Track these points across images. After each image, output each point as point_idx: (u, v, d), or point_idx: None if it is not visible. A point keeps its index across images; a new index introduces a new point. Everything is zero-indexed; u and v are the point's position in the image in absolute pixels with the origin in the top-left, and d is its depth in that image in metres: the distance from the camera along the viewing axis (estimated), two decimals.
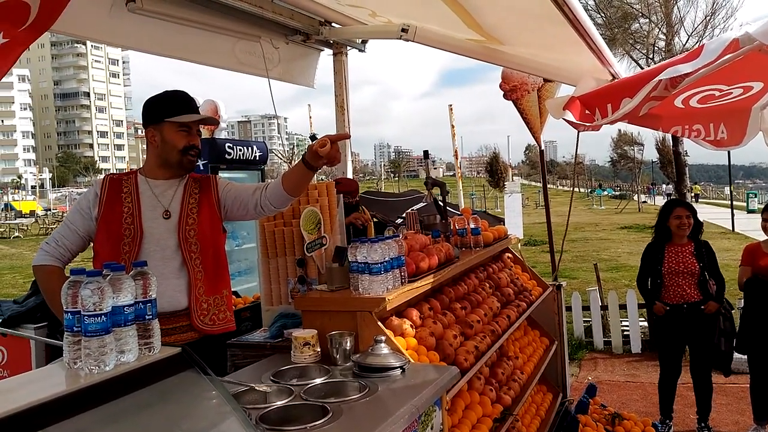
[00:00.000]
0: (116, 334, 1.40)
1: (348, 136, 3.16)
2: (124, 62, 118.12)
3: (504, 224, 10.36)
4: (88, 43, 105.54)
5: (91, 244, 2.59)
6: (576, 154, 4.62)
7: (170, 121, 2.52)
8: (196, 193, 2.63)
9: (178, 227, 2.55)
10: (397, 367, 2.30)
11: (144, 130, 2.61)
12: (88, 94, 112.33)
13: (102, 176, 2.65)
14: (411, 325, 2.75)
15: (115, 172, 2.66)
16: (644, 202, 37.00)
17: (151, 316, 1.50)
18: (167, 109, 2.53)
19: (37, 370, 1.52)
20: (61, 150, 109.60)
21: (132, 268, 2.33)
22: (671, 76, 2.56)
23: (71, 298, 1.38)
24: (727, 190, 33.40)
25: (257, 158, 5.61)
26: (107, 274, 1.42)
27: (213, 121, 2.72)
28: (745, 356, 4.76)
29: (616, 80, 3.69)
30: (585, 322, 7.34)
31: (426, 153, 3.88)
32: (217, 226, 2.67)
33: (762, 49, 3.30)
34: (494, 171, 42.99)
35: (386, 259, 2.61)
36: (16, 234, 29.25)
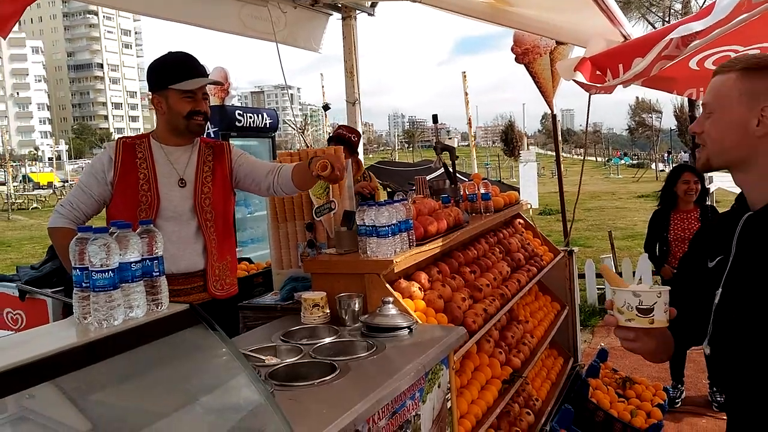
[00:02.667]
0: (124, 290, 1.42)
1: (343, 169, 2.54)
2: (136, 33, 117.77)
3: (519, 194, 10.32)
4: (101, 14, 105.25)
5: (105, 208, 2.60)
6: (588, 118, 4.54)
7: (174, 89, 2.49)
8: (210, 161, 2.64)
9: (194, 195, 2.57)
10: (404, 327, 2.33)
11: (150, 96, 2.58)
12: (101, 66, 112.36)
13: (114, 140, 2.61)
14: (419, 288, 2.77)
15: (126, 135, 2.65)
16: (662, 170, 36.52)
17: (158, 273, 1.52)
18: (170, 76, 2.49)
19: (48, 325, 1.56)
20: (76, 122, 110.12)
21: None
22: (682, 35, 2.51)
23: (79, 255, 1.40)
24: None
25: (267, 126, 5.61)
26: (114, 231, 1.44)
27: (218, 83, 2.70)
28: None
29: (627, 41, 3.63)
30: (599, 289, 7.33)
31: (435, 117, 3.85)
32: (229, 194, 2.71)
33: None
34: (509, 140, 42.60)
35: (394, 222, 2.62)
36: (35, 205, 29.64)
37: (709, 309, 1.47)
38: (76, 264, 1.41)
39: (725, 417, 4.36)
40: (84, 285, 1.42)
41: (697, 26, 2.53)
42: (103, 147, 2.61)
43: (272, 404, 1.53)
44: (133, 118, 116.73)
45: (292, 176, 2.61)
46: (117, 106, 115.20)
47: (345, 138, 4.27)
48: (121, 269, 1.42)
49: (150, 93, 2.59)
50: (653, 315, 1.36)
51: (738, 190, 1.60)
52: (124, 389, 1.45)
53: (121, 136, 2.76)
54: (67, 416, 1.39)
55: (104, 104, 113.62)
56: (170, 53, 2.58)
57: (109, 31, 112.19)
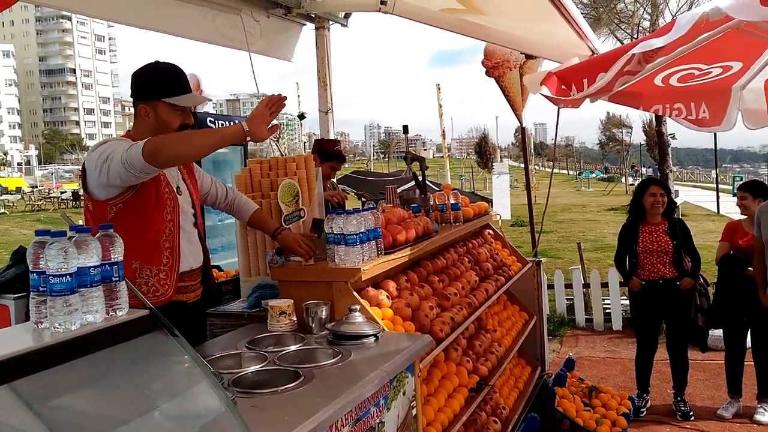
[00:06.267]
0: (82, 295, 1.41)
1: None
2: (110, 39, 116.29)
3: (492, 205, 10.39)
4: (74, 19, 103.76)
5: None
6: (556, 132, 4.63)
7: (166, 102, 2.45)
8: (185, 172, 2.69)
9: (192, 202, 2.64)
10: (370, 335, 2.34)
11: (134, 102, 2.50)
12: (74, 71, 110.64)
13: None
14: (387, 296, 2.79)
15: None
16: (632, 184, 37.15)
17: (117, 278, 1.51)
18: (163, 89, 2.44)
19: (3, 329, 1.54)
20: (47, 127, 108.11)
21: (177, 234, 2.46)
22: (643, 51, 2.57)
23: (35, 258, 1.39)
24: (714, 173, 33.54)
25: None
26: (72, 236, 1.43)
27: (208, 100, 2.72)
28: (721, 332, 4.86)
29: (592, 56, 3.71)
30: (568, 300, 7.42)
31: (405, 128, 3.88)
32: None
33: (740, 28, 3.33)
34: (483, 152, 42.91)
35: (362, 230, 2.64)
36: (2, 210, 29.04)
37: None
38: (33, 268, 1.40)
39: (688, 426, 4.45)
40: (41, 289, 1.41)
41: (658, 42, 2.59)
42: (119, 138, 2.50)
43: (233, 411, 1.52)
44: (106, 124, 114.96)
45: (250, 218, 2.93)
46: (89, 111, 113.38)
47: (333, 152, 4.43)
48: (79, 274, 1.41)
49: (132, 98, 2.52)
50: None
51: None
52: (81, 395, 1.43)
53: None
54: (21, 422, 1.36)
55: (76, 110, 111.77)
56: (160, 63, 2.52)
57: (82, 36, 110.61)
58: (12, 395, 1.29)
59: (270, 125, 2.34)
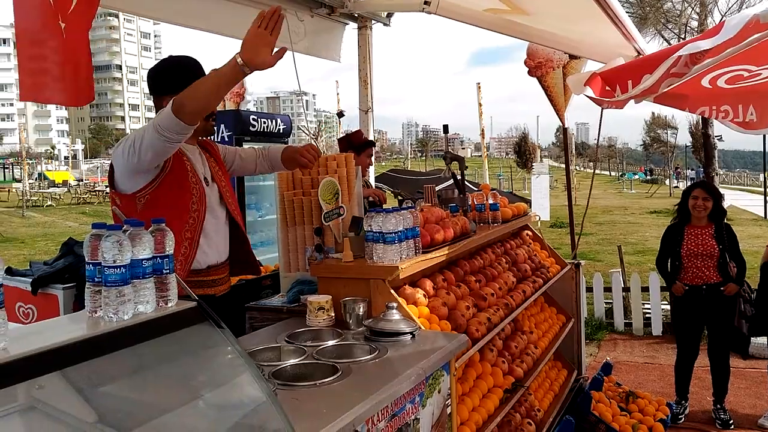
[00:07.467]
0: (134, 286, 1.47)
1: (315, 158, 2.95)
2: (155, 36, 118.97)
3: (530, 205, 10.31)
4: (121, 16, 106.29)
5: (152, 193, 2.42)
6: (599, 132, 4.57)
7: None
8: (213, 160, 2.74)
9: (220, 193, 2.66)
10: (407, 333, 2.37)
11: (157, 99, 2.53)
12: (120, 67, 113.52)
13: None
14: (424, 295, 2.81)
15: None
16: (676, 186, 36.27)
17: (168, 271, 1.57)
18: (181, 79, 2.42)
19: (59, 318, 1.61)
20: (93, 122, 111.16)
21: (200, 225, 2.48)
22: (690, 53, 2.53)
23: (92, 250, 1.45)
24: (762, 177, 32.49)
25: (281, 131, 5.68)
26: (127, 229, 1.50)
27: None
28: (765, 340, 4.74)
29: (638, 57, 3.65)
30: (607, 303, 7.32)
31: (446, 127, 3.89)
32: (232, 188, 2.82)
33: None
34: (522, 152, 42.54)
35: (400, 229, 2.67)
36: (49, 203, 29.96)
37: None
38: (89, 259, 1.47)
39: None
40: (96, 280, 1.48)
41: (705, 45, 2.55)
42: None
43: (274, 402, 1.57)
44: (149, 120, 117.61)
45: (282, 158, 2.89)
46: (134, 107, 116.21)
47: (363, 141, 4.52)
48: (133, 266, 1.47)
49: (154, 95, 2.55)
50: None
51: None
52: (131, 382, 1.50)
53: None
54: (74, 407, 1.43)
55: (121, 105, 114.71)
56: (174, 57, 2.58)
57: (129, 34, 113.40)
58: (66, 382, 1.37)
59: (275, 49, 1.96)
